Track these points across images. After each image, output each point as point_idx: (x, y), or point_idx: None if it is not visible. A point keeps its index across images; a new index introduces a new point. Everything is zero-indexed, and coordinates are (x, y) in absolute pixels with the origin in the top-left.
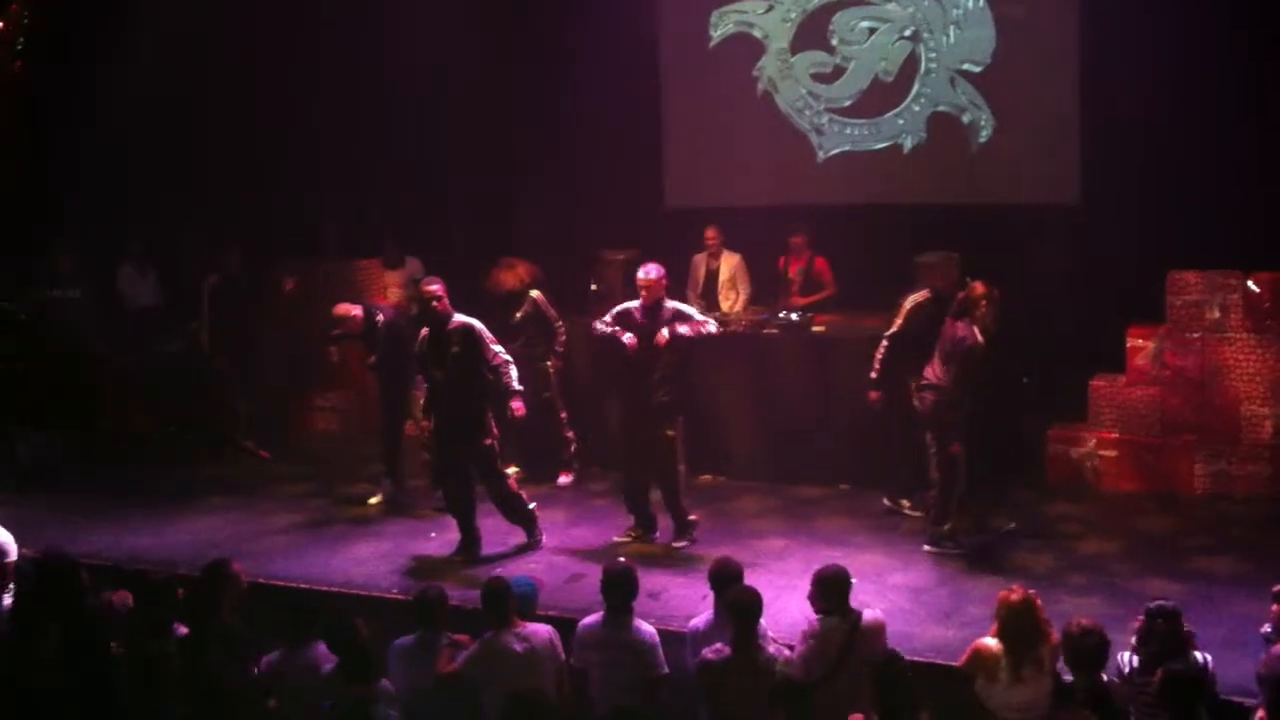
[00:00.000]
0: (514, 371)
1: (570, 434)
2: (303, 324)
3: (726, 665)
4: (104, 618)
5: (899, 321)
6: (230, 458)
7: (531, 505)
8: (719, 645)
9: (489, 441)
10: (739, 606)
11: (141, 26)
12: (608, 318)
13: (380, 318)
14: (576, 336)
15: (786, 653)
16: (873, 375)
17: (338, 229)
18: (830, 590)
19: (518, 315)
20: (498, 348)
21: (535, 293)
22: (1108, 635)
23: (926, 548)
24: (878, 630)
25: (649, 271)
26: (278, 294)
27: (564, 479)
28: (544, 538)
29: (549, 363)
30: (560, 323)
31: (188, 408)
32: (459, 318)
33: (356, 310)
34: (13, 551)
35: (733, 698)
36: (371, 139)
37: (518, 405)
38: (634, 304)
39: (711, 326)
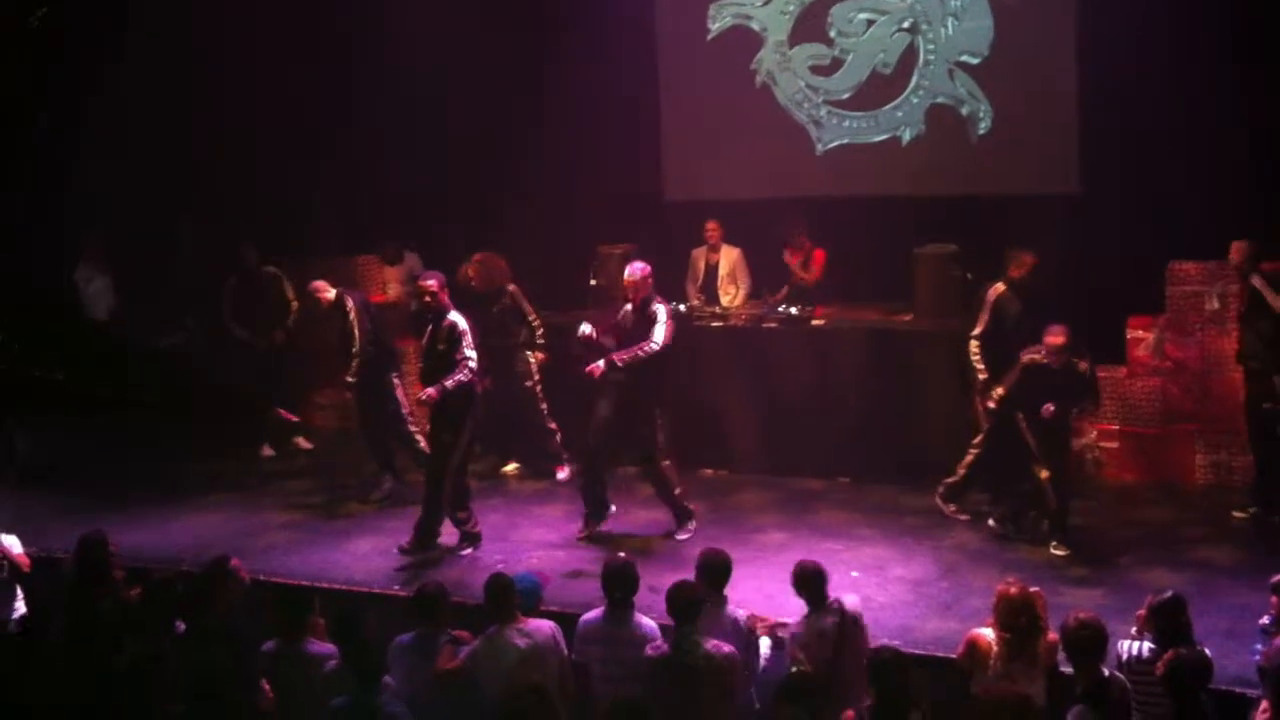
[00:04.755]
0: (461, 376)
1: (553, 425)
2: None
3: (665, 661)
4: (111, 614)
5: (985, 317)
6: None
7: (467, 523)
8: (658, 642)
9: (447, 437)
10: (677, 602)
11: (138, 23)
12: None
13: (350, 303)
14: (561, 331)
15: (726, 649)
16: (982, 378)
17: (337, 225)
18: (804, 585)
19: (495, 309)
20: (470, 351)
21: (512, 286)
22: (1106, 627)
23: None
24: (860, 615)
25: (632, 271)
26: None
27: (562, 474)
28: (425, 547)
29: (533, 355)
30: (535, 316)
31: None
32: (451, 315)
33: (330, 293)
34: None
35: (670, 693)
36: (369, 134)
37: (430, 391)
38: (627, 307)
39: (653, 346)
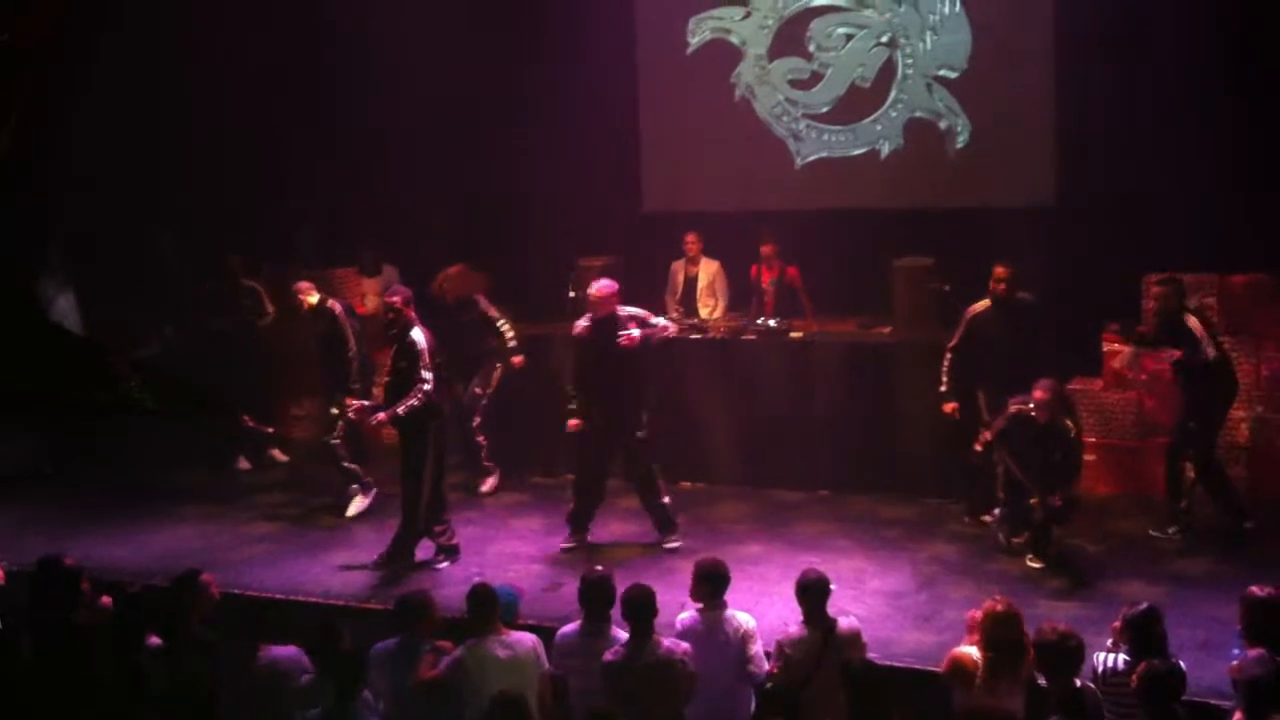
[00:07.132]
0: (413, 401)
1: (481, 438)
2: (285, 336)
3: (624, 664)
4: (89, 627)
5: (959, 332)
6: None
7: (443, 536)
8: (618, 647)
9: (416, 456)
10: (634, 606)
11: (112, 29)
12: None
13: (338, 309)
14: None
15: (681, 648)
16: (941, 388)
17: (313, 236)
18: (807, 597)
19: (466, 319)
20: (427, 373)
21: (480, 296)
22: (1083, 639)
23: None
24: (853, 639)
25: (599, 286)
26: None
27: (485, 486)
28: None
29: (499, 367)
30: (505, 321)
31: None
32: (413, 333)
33: (313, 296)
34: None
35: (633, 694)
36: (347, 145)
37: (380, 415)
38: (584, 321)
39: (670, 330)
